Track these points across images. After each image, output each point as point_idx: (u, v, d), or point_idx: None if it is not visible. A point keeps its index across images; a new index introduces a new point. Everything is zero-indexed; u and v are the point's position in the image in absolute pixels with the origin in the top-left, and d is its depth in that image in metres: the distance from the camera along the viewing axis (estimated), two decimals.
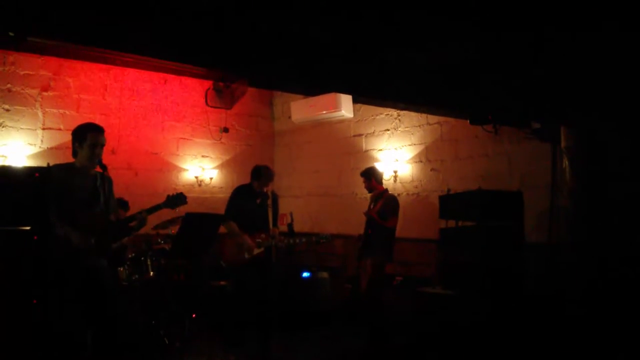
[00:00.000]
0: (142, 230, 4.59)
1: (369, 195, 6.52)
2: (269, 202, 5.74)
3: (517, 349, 4.99)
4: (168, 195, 4.53)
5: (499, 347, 5.03)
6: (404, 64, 3.82)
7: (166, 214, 4.96)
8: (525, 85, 4.42)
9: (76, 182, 4.02)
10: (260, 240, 5.58)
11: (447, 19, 3.06)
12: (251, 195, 5.79)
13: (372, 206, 6.32)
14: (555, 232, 5.69)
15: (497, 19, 3.13)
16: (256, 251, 5.57)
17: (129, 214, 4.92)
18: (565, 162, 5.08)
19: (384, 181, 6.77)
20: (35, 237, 3.46)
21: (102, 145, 4.05)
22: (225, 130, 8.64)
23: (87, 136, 4.01)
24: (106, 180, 4.03)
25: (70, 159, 4.15)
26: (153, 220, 4.94)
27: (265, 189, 5.74)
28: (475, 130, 6.50)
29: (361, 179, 6.53)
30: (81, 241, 3.86)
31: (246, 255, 5.56)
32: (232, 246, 5.67)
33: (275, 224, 5.76)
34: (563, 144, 5.13)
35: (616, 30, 3.35)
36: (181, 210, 4.74)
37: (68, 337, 3.92)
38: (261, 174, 5.81)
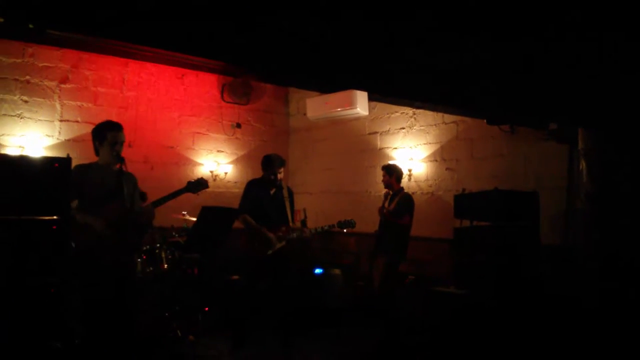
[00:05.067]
0: (158, 223, 4.64)
1: (382, 192, 6.49)
2: (285, 194, 5.63)
3: (530, 350, 4.97)
4: (189, 181, 4.61)
5: (511, 348, 5.01)
6: (424, 65, 3.81)
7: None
8: (542, 87, 4.39)
9: (98, 178, 4.08)
10: (281, 233, 5.45)
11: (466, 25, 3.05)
12: (264, 187, 5.68)
13: (386, 204, 6.29)
14: (571, 235, 5.65)
15: (516, 27, 3.12)
16: (278, 245, 5.45)
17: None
18: (582, 164, 5.04)
19: None
20: (55, 227, 3.49)
21: (122, 143, 4.13)
22: (238, 125, 8.66)
23: (107, 135, 4.09)
24: (129, 176, 4.12)
25: (87, 151, 4.21)
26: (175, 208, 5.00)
27: (275, 177, 5.58)
28: (492, 130, 6.47)
29: (375, 177, 6.52)
30: (103, 228, 3.92)
31: (269, 252, 5.45)
32: (255, 240, 5.52)
33: (292, 220, 5.66)
34: (580, 145, 5.09)
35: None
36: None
37: (85, 328, 3.97)
38: (269, 160, 5.70)
